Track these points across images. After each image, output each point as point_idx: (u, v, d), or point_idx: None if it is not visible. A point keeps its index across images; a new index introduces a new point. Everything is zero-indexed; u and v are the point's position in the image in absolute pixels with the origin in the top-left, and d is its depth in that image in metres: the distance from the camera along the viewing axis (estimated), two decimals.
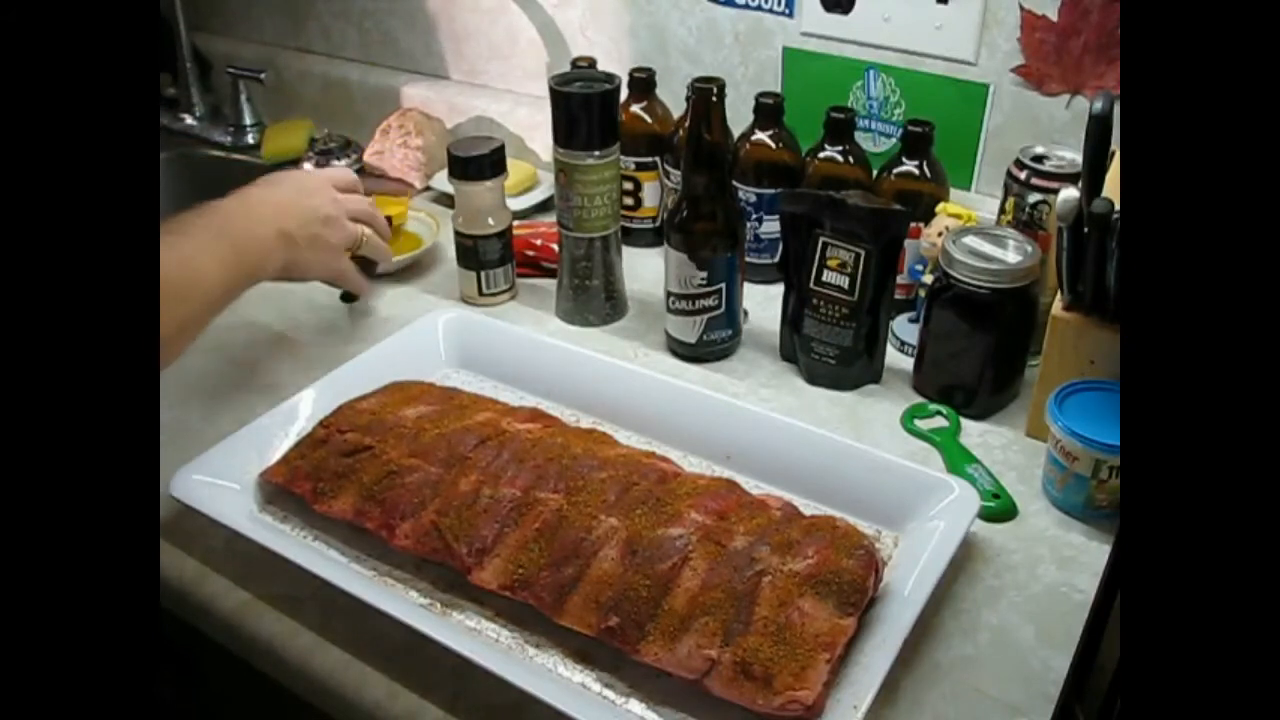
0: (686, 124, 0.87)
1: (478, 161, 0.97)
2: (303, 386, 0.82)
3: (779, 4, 1.05)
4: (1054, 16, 0.92)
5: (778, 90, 1.06)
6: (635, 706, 0.59)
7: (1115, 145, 0.72)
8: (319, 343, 0.95)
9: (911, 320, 0.93)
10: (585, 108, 0.88)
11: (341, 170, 0.98)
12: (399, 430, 0.72)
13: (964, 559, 0.69)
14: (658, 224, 1.11)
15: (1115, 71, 0.91)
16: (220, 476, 0.73)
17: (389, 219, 1.11)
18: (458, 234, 0.99)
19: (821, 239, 0.84)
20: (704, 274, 0.87)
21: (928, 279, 0.88)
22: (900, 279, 0.89)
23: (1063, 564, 0.70)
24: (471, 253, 0.99)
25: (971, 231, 0.82)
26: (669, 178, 1.07)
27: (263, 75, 1.39)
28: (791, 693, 0.55)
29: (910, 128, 0.92)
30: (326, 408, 0.78)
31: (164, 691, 0.82)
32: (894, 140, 1.02)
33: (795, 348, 0.90)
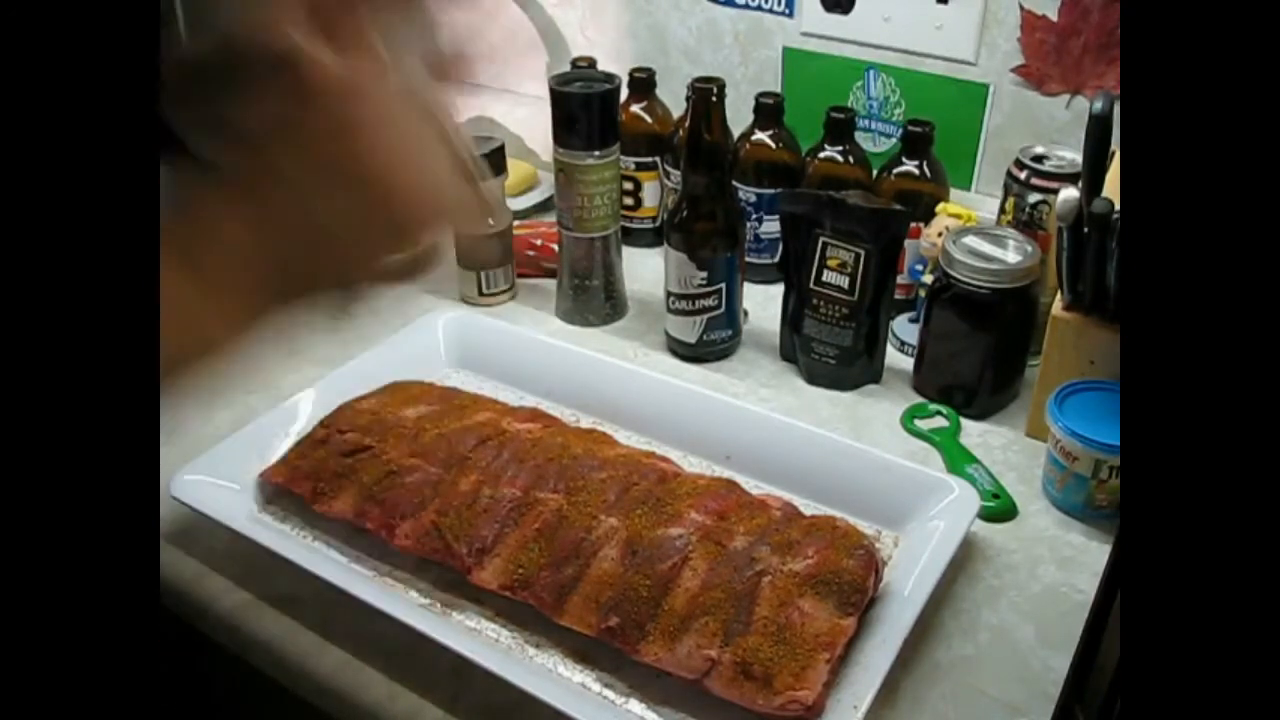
0: (686, 124, 0.87)
1: None
2: (303, 386, 0.82)
3: (779, 4, 1.05)
4: (1054, 16, 0.92)
5: (778, 90, 1.06)
6: (635, 706, 0.59)
7: (1115, 145, 0.72)
8: (319, 343, 0.95)
9: (911, 320, 0.93)
10: (585, 108, 0.88)
11: None
12: (399, 430, 0.72)
13: (964, 559, 0.69)
14: (658, 224, 1.11)
15: (1115, 71, 0.91)
16: (220, 477, 0.73)
17: None
18: (457, 234, 0.99)
19: (821, 239, 0.84)
20: (704, 274, 0.87)
21: (928, 279, 0.88)
22: (900, 279, 0.89)
23: (1063, 564, 0.70)
24: (471, 253, 0.99)
25: (971, 231, 0.82)
26: (669, 178, 1.07)
27: None
28: (791, 693, 0.55)
29: (910, 128, 0.92)
30: (326, 408, 0.78)
31: (164, 691, 0.82)
32: (894, 140, 1.02)
33: (795, 348, 0.90)
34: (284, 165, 0.38)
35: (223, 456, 0.74)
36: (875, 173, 0.96)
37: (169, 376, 0.38)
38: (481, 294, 1.01)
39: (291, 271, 0.39)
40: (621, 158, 0.94)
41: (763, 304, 0.98)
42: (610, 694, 0.60)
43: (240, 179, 0.38)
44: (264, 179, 0.38)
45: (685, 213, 0.86)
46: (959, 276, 0.79)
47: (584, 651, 0.62)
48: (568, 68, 1.05)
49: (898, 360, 0.91)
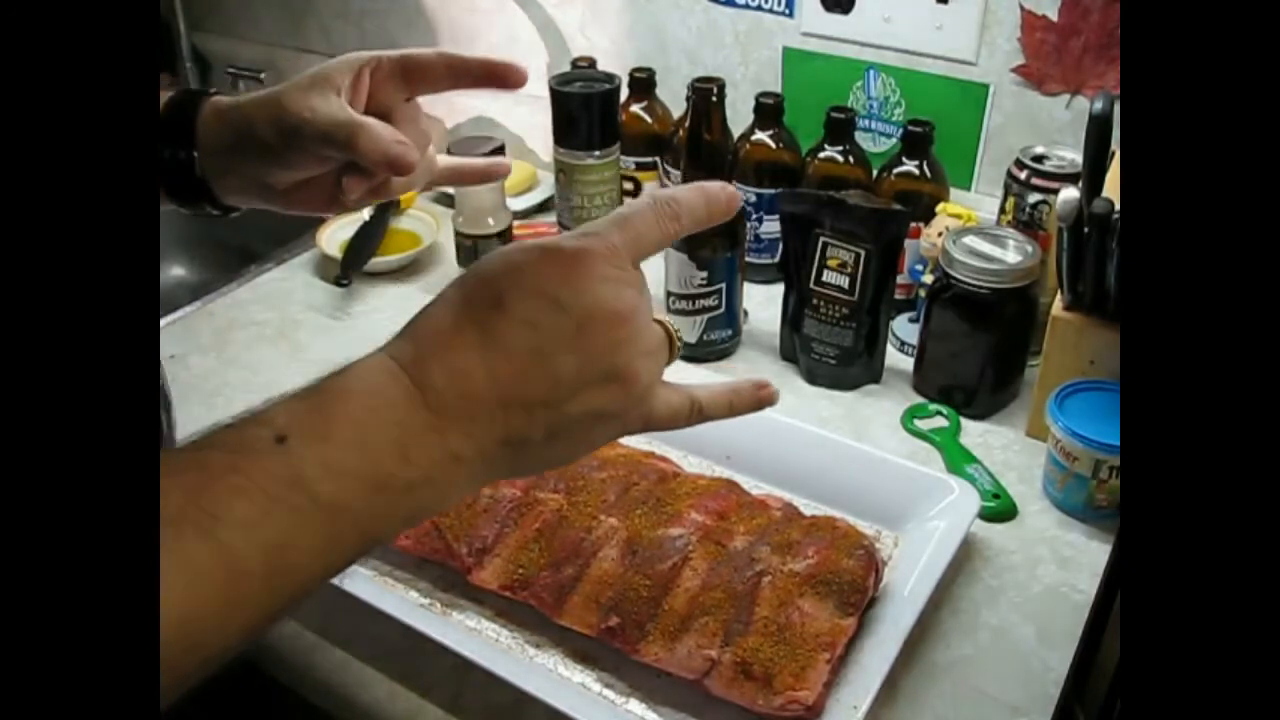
0: (686, 124, 0.87)
1: None
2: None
3: (779, 4, 1.05)
4: (1054, 16, 0.92)
5: (778, 90, 1.06)
6: (635, 706, 0.59)
7: (1115, 145, 0.72)
8: (319, 343, 0.95)
9: (911, 320, 0.93)
10: (585, 108, 0.88)
11: (644, 210, 0.45)
12: None
13: (964, 559, 0.69)
14: None
15: (1115, 71, 0.91)
16: None
17: (397, 203, 1.10)
18: (458, 234, 0.99)
19: (821, 239, 0.84)
20: (704, 274, 0.87)
21: (928, 279, 0.88)
22: (900, 279, 0.89)
23: (1063, 564, 0.70)
24: (471, 253, 0.99)
25: (971, 231, 0.82)
26: (669, 178, 1.07)
27: (262, 75, 1.39)
28: (791, 693, 0.55)
29: (910, 128, 0.92)
30: None
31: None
32: (894, 140, 1.02)
33: (795, 348, 0.90)
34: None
35: None
36: (875, 173, 0.96)
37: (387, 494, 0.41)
38: None
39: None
40: (621, 158, 0.94)
41: (763, 304, 0.98)
42: (610, 694, 0.60)
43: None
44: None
45: None
46: (959, 276, 0.79)
47: (584, 651, 0.62)
48: (568, 68, 1.05)
49: (898, 360, 0.91)
